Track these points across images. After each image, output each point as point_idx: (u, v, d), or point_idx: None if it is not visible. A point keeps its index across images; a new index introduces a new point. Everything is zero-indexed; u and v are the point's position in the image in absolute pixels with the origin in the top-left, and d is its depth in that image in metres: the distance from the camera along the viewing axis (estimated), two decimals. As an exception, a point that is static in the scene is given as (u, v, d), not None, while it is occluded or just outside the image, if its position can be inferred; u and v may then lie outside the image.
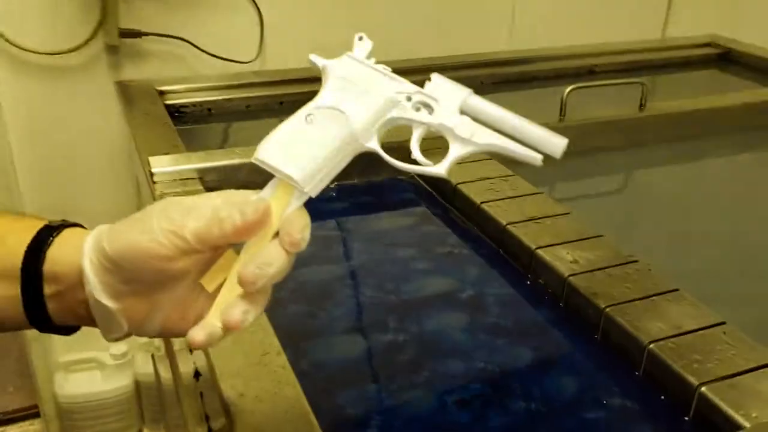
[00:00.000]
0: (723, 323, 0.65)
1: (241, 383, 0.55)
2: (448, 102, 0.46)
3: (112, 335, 0.45)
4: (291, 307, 0.72)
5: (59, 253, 0.43)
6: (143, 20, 1.32)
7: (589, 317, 0.69)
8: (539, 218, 0.82)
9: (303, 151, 0.43)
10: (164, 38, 1.34)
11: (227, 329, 0.42)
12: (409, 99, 0.46)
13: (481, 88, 1.35)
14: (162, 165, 0.85)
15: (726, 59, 1.59)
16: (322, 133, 0.44)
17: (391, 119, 0.46)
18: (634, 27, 1.75)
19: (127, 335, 0.45)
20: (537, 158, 0.44)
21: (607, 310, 0.67)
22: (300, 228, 0.42)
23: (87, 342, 1.64)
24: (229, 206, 0.41)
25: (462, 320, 0.71)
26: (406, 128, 0.47)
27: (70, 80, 1.32)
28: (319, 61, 0.48)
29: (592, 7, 1.71)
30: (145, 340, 1.65)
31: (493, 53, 1.45)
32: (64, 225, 0.45)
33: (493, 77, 1.38)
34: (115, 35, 1.29)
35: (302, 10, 1.45)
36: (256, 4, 1.39)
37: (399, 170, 0.96)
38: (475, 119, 0.46)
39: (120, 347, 1.64)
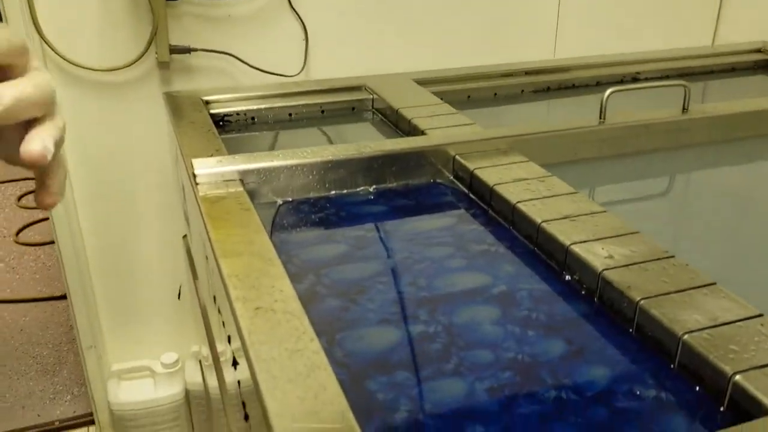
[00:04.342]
0: (761, 315, 0.64)
1: (275, 366, 0.57)
2: None
3: None
4: (325, 301, 0.73)
5: None
6: (192, 37, 1.37)
7: (623, 311, 0.69)
8: (575, 216, 0.82)
9: None
10: (212, 54, 1.39)
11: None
12: None
13: (521, 96, 1.36)
14: (204, 167, 0.88)
15: (776, 65, 1.56)
16: None
17: None
18: (682, 36, 1.74)
19: None
20: None
21: (642, 302, 0.66)
22: None
23: (139, 350, 1.69)
24: None
25: (493, 314, 0.71)
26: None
27: (123, 95, 1.38)
28: None
29: (638, 16, 1.71)
30: (194, 348, 1.69)
31: (535, 62, 1.46)
32: None
33: (534, 85, 1.38)
34: (166, 52, 1.34)
35: (347, 25, 1.49)
36: (301, 20, 1.43)
37: (437, 174, 0.97)
38: None
39: (171, 356, 1.68)
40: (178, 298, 1.66)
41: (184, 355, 1.71)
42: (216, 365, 0.98)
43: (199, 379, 1.63)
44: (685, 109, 1.11)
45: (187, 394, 1.72)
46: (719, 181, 1.07)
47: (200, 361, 1.62)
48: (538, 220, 0.81)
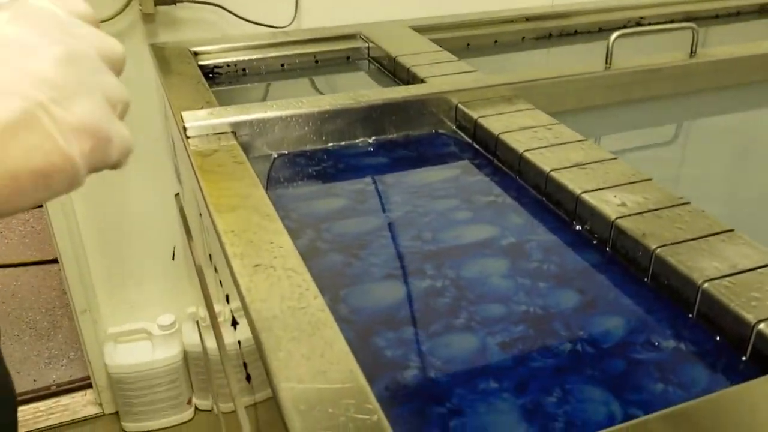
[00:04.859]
0: (782, 262, 0.61)
1: (277, 325, 0.54)
2: None
3: None
4: (326, 256, 0.70)
5: None
6: (178, -14, 1.32)
7: (637, 260, 0.66)
8: (584, 164, 0.79)
9: None
10: (199, 5, 1.34)
11: None
12: None
13: (522, 43, 1.31)
14: (195, 119, 0.84)
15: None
16: None
17: None
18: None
19: None
20: None
21: (658, 250, 0.63)
22: None
23: (135, 313, 1.66)
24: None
25: (503, 266, 0.68)
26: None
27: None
28: None
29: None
30: (191, 309, 1.67)
31: (536, 8, 1.41)
32: None
33: (535, 32, 1.34)
34: (150, 3, 1.29)
35: (338, -28, 1.43)
36: (290, -33, 1.38)
37: (439, 124, 0.94)
38: None
39: (167, 318, 1.66)
40: (173, 258, 1.63)
41: (180, 317, 1.69)
42: (214, 326, 0.95)
43: (197, 340, 1.62)
44: (693, 53, 1.07)
45: (185, 355, 1.70)
46: (729, 126, 1.04)
47: (197, 322, 1.60)
48: (547, 169, 0.78)
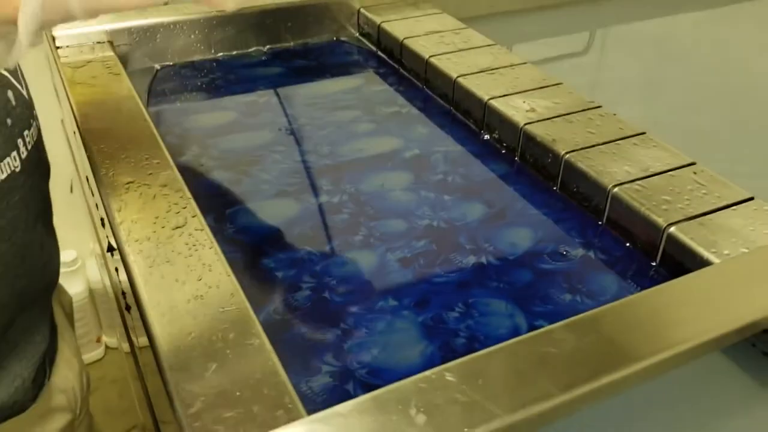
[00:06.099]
0: (693, 164, 0.59)
1: (150, 247, 0.48)
2: None
3: None
4: (212, 174, 0.64)
5: None
6: None
7: (547, 167, 0.62)
8: (493, 69, 0.74)
9: None
10: None
11: None
12: None
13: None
14: (65, 27, 0.74)
15: None
16: None
17: None
18: None
19: None
20: None
21: (567, 156, 0.60)
22: None
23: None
24: None
25: (406, 180, 0.64)
26: None
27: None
28: None
29: None
30: (92, 245, 1.57)
31: None
32: None
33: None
34: None
35: None
36: None
37: (341, 30, 0.87)
38: None
39: (69, 254, 1.56)
40: (71, 191, 1.52)
41: (83, 252, 1.59)
42: (104, 257, 0.88)
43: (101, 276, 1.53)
44: (606, -44, 1.03)
45: (91, 292, 1.61)
46: (641, 32, 1.01)
47: (96, 257, 1.51)
48: (454, 75, 0.72)
